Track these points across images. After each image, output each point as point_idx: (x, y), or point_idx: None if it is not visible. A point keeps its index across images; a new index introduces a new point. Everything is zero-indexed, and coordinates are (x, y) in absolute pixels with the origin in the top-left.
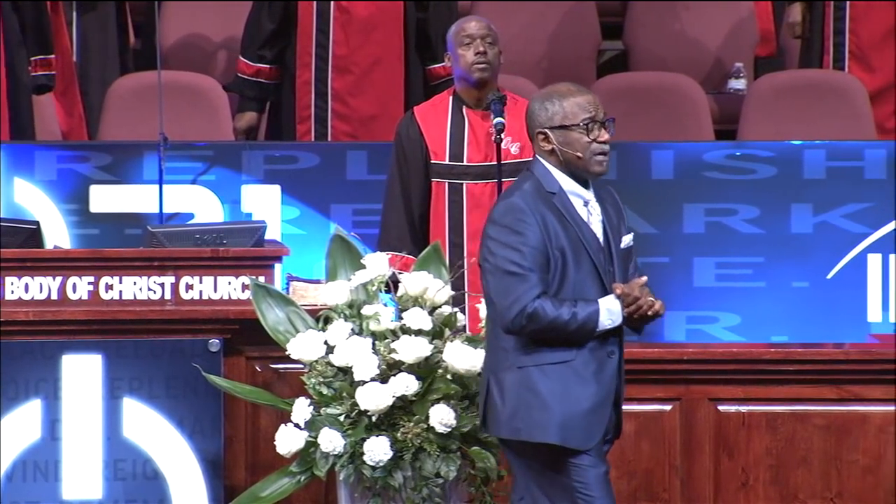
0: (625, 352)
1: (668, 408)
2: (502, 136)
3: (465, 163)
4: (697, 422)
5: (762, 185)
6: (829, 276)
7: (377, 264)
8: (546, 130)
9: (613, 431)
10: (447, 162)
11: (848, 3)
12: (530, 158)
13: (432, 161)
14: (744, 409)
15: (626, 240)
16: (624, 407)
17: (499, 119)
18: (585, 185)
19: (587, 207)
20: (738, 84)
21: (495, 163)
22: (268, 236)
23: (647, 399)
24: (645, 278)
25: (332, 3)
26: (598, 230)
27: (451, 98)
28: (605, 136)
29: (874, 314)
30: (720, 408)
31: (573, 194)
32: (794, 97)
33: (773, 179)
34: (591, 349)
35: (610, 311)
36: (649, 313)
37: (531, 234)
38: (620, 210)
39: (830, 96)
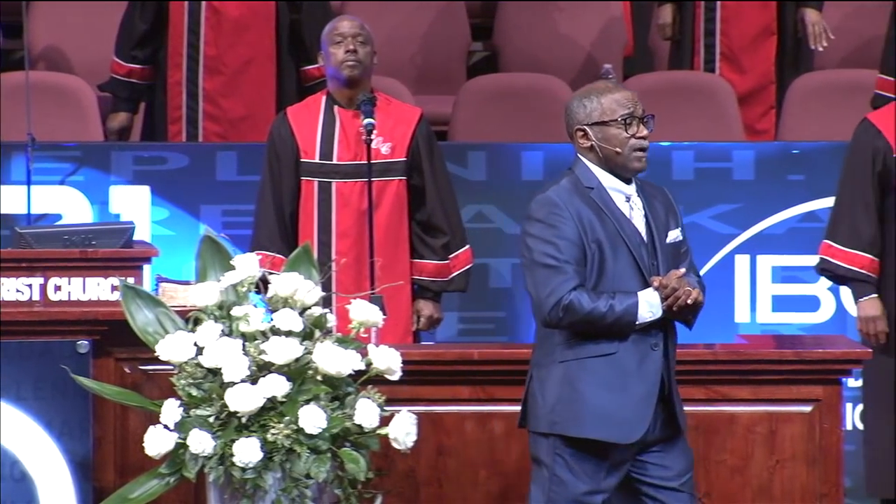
0: (497, 352)
1: None
2: (372, 136)
3: (334, 161)
4: None
5: None
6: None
7: (247, 265)
8: (585, 127)
9: (667, 428)
10: (317, 160)
11: (719, 3)
12: (402, 159)
13: (302, 159)
14: None
15: (673, 235)
16: (495, 408)
17: (369, 120)
18: (627, 181)
19: (629, 203)
20: None
21: (365, 162)
22: (137, 237)
23: (517, 400)
24: (682, 270)
25: (203, 3)
26: (640, 225)
27: (324, 98)
28: (643, 132)
29: (742, 315)
30: None
31: (614, 190)
32: (662, 98)
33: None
34: (634, 342)
35: (650, 304)
36: (689, 302)
37: (566, 227)
38: (672, 207)
39: (699, 97)
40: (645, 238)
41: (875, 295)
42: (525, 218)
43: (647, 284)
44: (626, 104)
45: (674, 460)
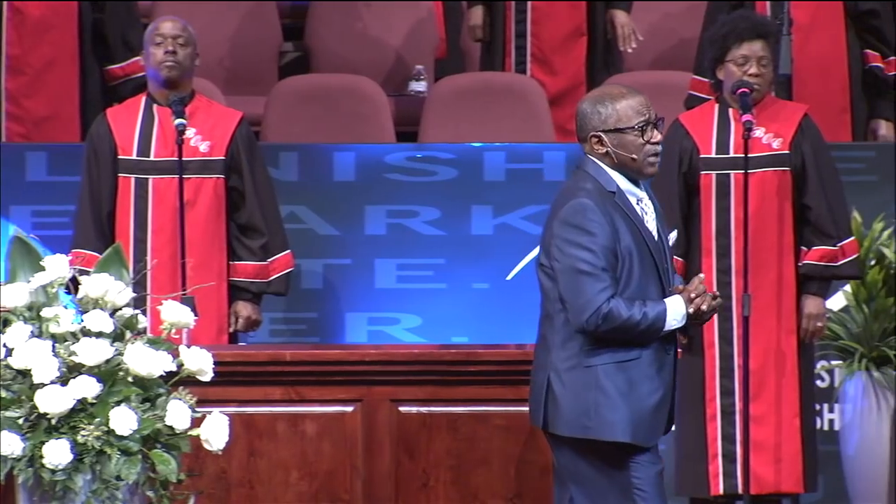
0: (309, 353)
1: (349, 409)
2: (185, 135)
3: (151, 158)
4: (379, 423)
5: (443, 186)
6: (509, 277)
7: (57, 266)
8: (600, 134)
9: (668, 425)
10: (134, 157)
11: (529, 4)
12: (220, 158)
13: (120, 156)
14: (425, 409)
15: (672, 236)
16: (307, 408)
17: (180, 121)
18: (637, 184)
19: (640, 205)
20: (418, 86)
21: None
22: None
23: (329, 400)
24: (703, 275)
25: (4, 3)
26: (653, 228)
27: (144, 97)
28: (657, 136)
29: None
30: (401, 409)
31: (629, 193)
32: (474, 99)
33: (454, 181)
34: (654, 347)
35: (676, 311)
36: (705, 308)
37: (602, 233)
38: (658, 207)
39: (510, 99)
40: (657, 241)
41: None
42: (558, 222)
43: (664, 288)
44: (642, 111)
45: (658, 457)
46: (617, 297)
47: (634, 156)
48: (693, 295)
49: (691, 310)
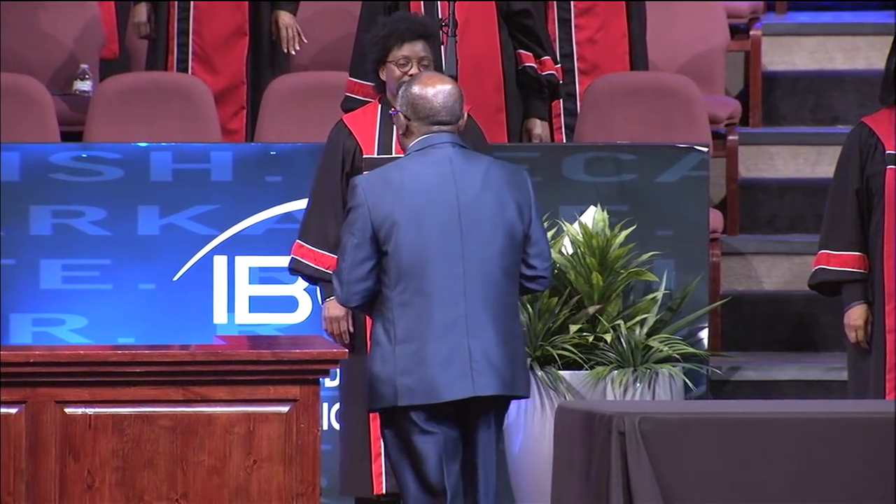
0: None
1: (13, 411)
2: None
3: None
4: (44, 424)
5: (109, 186)
6: (176, 277)
7: None
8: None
9: None
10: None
11: (192, 3)
12: None
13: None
14: (91, 411)
15: None
16: None
17: None
18: None
19: None
20: (84, 86)
21: None
22: None
23: None
24: None
25: None
26: None
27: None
28: None
29: (220, 315)
30: (67, 410)
31: None
32: (140, 99)
33: (120, 181)
34: None
35: None
36: None
37: None
38: None
39: (176, 98)
40: None
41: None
42: (529, 187)
43: None
44: None
45: None
46: None
47: None
48: None
49: None
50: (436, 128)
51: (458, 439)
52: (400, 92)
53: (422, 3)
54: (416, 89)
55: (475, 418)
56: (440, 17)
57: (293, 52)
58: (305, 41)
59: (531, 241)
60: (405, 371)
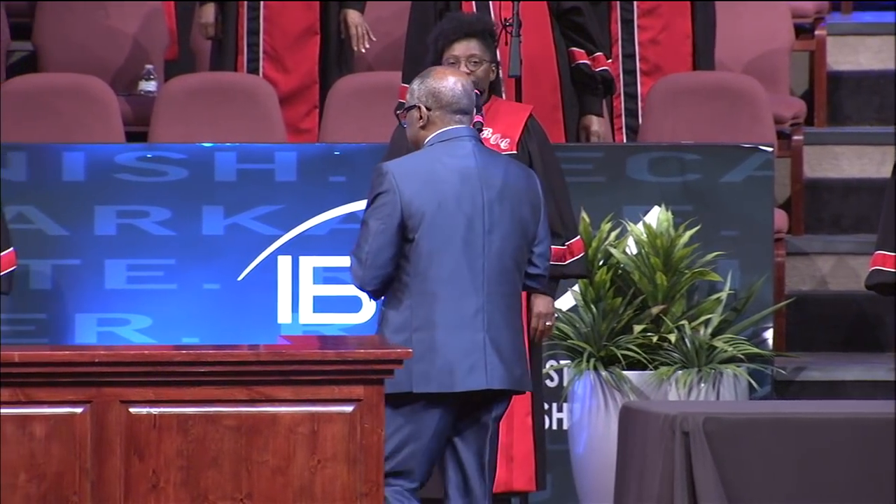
0: (38, 354)
1: (79, 410)
2: None
3: None
4: (109, 424)
5: (174, 187)
6: (240, 277)
7: None
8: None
9: None
10: None
11: (262, 2)
12: None
13: None
14: (155, 410)
15: None
16: (35, 410)
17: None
18: None
19: None
20: (148, 86)
21: None
22: None
23: (58, 402)
24: None
25: None
26: None
27: None
28: None
29: (284, 315)
30: (132, 410)
31: None
32: (204, 99)
33: (185, 182)
34: None
35: None
36: None
37: None
38: None
39: (241, 98)
40: None
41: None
42: (540, 190)
43: None
44: None
45: None
46: None
47: None
48: None
49: None
50: (458, 117)
51: (449, 430)
52: (413, 87)
53: (473, 3)
54: (432, 81)
55: (477, 410)
56: (499, 16)
57: (363, 51)
58: (374, 39)
59: (537, 240)
60: (422, 358)
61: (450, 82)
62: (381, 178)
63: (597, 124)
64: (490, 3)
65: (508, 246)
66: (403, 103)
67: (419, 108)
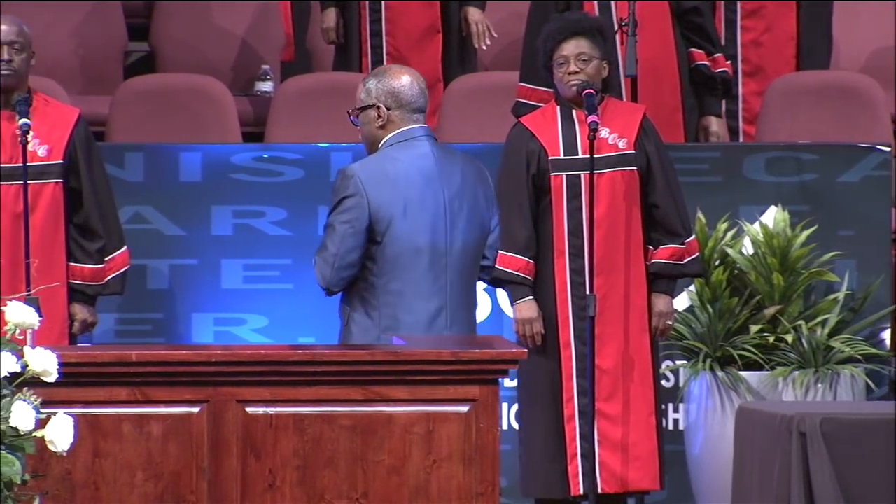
0: (155, 354)
1: (195, 410)
2: (28, 137)
3: None
4: (225, 423)
5: (290, 187)
6: None
7: None
8: None
9: None
10: None
11: (384, 3)
12: (59, 161)
13: None
14: (271, 410)
15: None
16: (152, 409)
17: (24, 120)
18: None
19: None
20: (265, 86)
21: (21, 164)
22: None
23: (175, 401)
24: None
25: None
26: None
27: None
28: None
29: None
30: (248, 409)
31: None
32: (320, 100)
33: (301, 182)
34: None
35: None
36: None
37: None
38: None
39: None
40: None
41: (531, 297)
42: (491, 182)
43: None
44: None
45: None
46: None
47: None
48: None
49: None
50: (416, 116)
51: None
52: (369, 86)
53: (595, 3)
54: (390, 80)
55: None
56: (618, 17)
57: (484, 48)
58: (496, 35)
59: (490, 229)
60: None
61: (406, 81)
62: (346, 182)
63: (716, 125)
64: (612, 3)
65: (469, 240)
66: (522, 102)
67: (378, 107)
